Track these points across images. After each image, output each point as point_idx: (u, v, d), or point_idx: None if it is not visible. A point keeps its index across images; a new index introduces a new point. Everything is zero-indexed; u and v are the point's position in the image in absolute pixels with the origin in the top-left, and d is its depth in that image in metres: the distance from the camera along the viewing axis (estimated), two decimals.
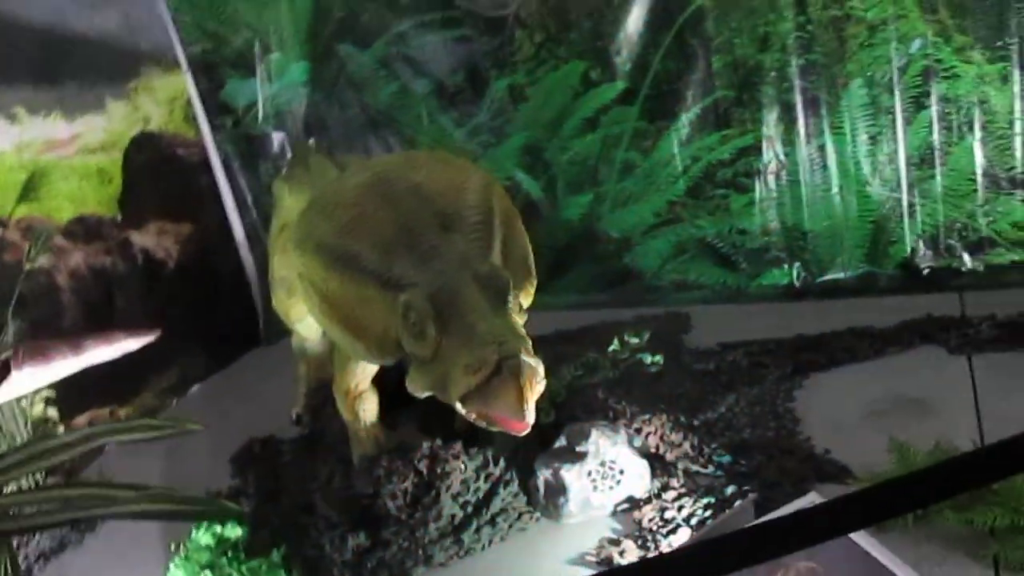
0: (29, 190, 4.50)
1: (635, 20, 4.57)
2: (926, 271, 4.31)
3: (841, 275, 4.51)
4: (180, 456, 4.00)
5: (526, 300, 2.85)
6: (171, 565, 2.97)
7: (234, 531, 3.05)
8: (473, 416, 2.54)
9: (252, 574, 2.90)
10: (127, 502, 1.06)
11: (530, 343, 2.46)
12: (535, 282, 2.93)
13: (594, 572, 2.75)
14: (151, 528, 3.64)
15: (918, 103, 4.13)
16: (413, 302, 2.55)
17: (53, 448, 1.13)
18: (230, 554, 3.00)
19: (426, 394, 2.68)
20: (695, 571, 1.35)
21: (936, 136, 4.14)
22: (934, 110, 4.10)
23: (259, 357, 5.62)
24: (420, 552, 2.96)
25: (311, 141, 5.24)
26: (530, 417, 2.39)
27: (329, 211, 2.90)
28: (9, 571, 1.32)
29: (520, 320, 2.61)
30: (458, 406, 2.51)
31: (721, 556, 1.32)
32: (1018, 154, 4.06)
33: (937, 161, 4.17)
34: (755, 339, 4.08)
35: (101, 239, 4.85)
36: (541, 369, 2.41)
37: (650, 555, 2.74)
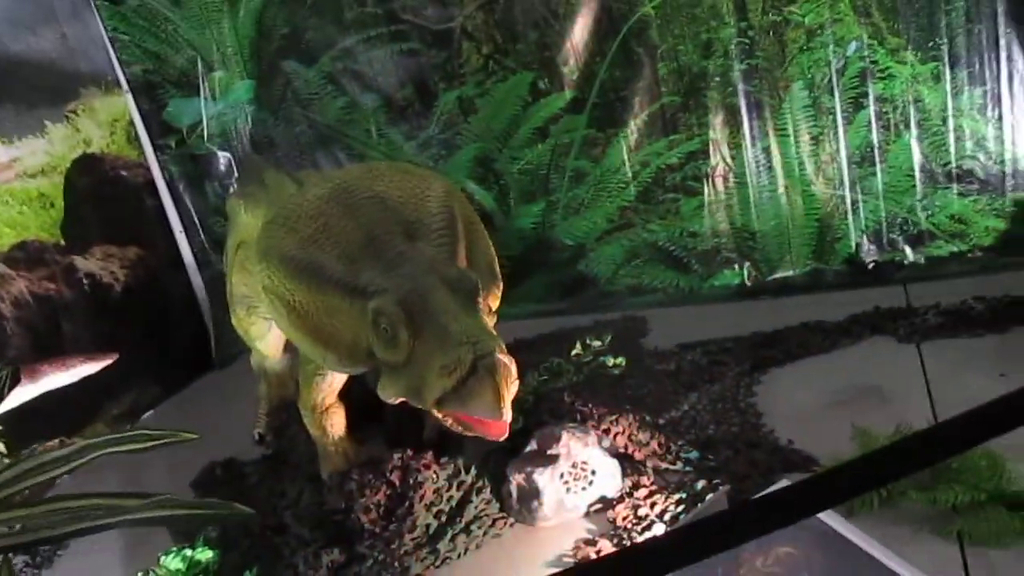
0: None
1: (581, 30, 4.64)
2: (871, 265, 4.46)
3: (790, 273, 4.63)
4: (137, 483, 3.90)
5: (494, 303, 2.88)
6: None
7: (204, 554, 2.99)
8: (449, 420, 2.55)
9: None
10: (136, 510, 1.04)
11: (502, 342, 2.48)
12: (501, 286, 2.96)
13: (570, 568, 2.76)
14: (112, 556, 3.56)
15: (857, 103, 4.27)
16: (383, 307, 2.55)
17: (48, 463, 1.11)
18: None
19: (399, 400, 2.68)
20: (674, 558, 1.37)
21: (875, 135, 4.28)
22: (872, 109, 4.24)
23: (212, 381, 5.53)
24: (396, 564, 2.94)
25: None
26: (507, 415, 2.42)
27: (292, 223, 2.89)
28: None
29: (490, 322, 2.64)
30: (434, 410, 2.52)
31: (698, 541, 1.34)
32: (952, 149, 4.22)
33: (877, 159, 4.31)
34: (712, 338, 4.16)
35: (44, 265, 4.73)
36: (515, 368, 2.43)
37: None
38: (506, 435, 2.59)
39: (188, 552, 2.97)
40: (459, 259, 2.80)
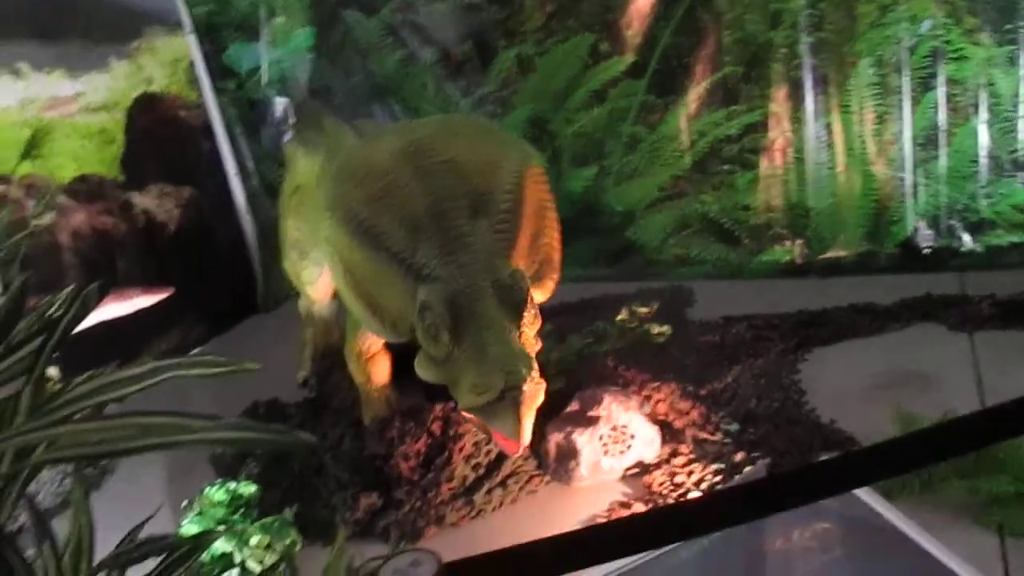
0: (32, 148, 4.46)
1: None
2: (926, 251, 4.38)
3: (842, 253, 4.57)
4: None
5: (544, 295, 2.88)
6: (184, 522, 2.99)
7: (247, 489, 3.06)
8: (474, 421, 2.64)
9: (264, 531, 2.91)
10: (205, 430, 1.08)
11: (535, 365, 2.52)
12: (558, 278, 2.95)
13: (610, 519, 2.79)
14: (157, 484, 3.68)
15: (925, 84, 4.17)
16: (431, 304, 2.56)
17: (121, 380, 1.14)
18: (243, 511, 3.01)
19: (430, 381, 2.74)
20: (710, 521, 1.39)
21: (941, 117, 4.18)
22: (941, 91, 4.15)
23: (256, 324, 5.61)
24: (432, 512, 2.99)
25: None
26: (525, 441, 2.52)
27: (360, 176, 2.86)
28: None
29: (531, 319, 2.64)
30: (463, 411, 2.61)
31: (735, 506, 1.35)
32: (1021, 137, 4.11)
33: (941, 142, 4.22)
34: (758, 313, 4.13)
35: (103, 199, 4.82)
36: (542, 392, 2.51)
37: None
38: (520, 454, 2.77)
39: (232, 485, 3.04)
40: (517, 248, 2.76)
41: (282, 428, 1.12)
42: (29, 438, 1.13)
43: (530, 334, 2.64)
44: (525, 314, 2.59)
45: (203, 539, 1.30)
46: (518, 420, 2.44)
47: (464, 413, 2.65)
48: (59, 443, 1.15)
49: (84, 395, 1.18)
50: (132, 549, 1.17)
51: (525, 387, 2.43)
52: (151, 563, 1.34)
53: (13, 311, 1.01)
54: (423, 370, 2.73)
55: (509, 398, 2.42)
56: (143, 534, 1.40)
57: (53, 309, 1.30)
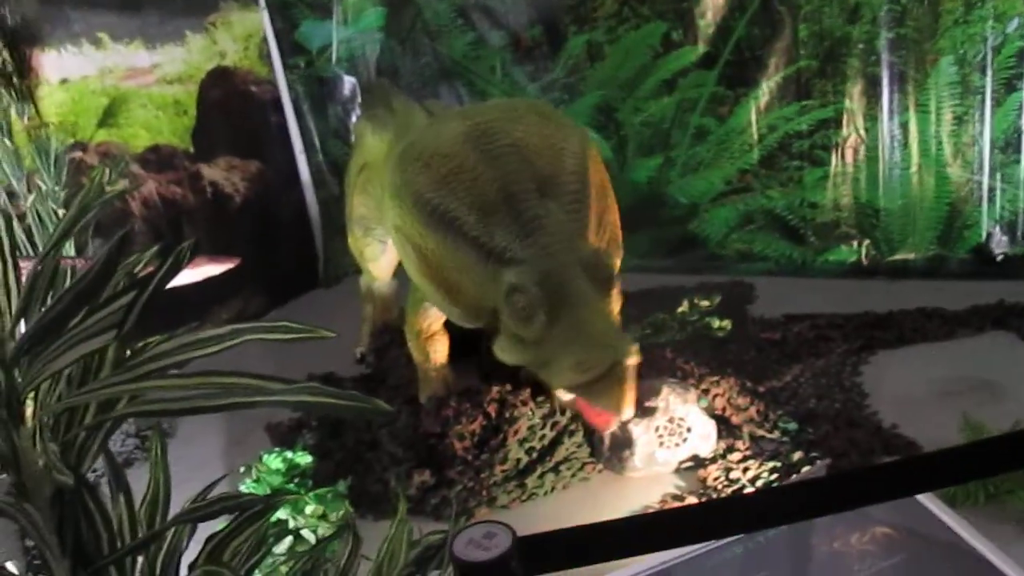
0: (109, 116, 4.58)
1: None
2: (1000, 257, 4.24)
3: (911, 256, 4.45)
4: None
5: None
6: (241, 487, 3.05)
7: (303, 459, 3.11)
8: (567, 402, 2.64)
9: (319, 501, 2.95)
10: (282, 392, 1.09)
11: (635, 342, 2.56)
12: (621, 254, 2.94)
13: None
14: (215, 450, 3.76)
15: (1009, 85, 4.03)
16: (522, 285, 2.56)
17: (203, 340, 1.16)
18: (299, 480, 3.07)
19: (515, 364, 2.75)
20: (766, 516, 1.36)
21: None
22: None
23: (317, 298, 5.70)
24: (484, 493, 3.01)
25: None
26: (630, 413, 2.57)
27: (426, 159, 2.86)
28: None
29: (617, 297, 2.66)
30: (558, 390, 2.61)
31: (792, 503, 1.31)
32: None
33: (1023, 146, 4.07)
34: (821, 312, 4.06)
35: (173, 169, 4.93)
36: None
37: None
38: (612, 427, 2.80)
39: (288, 454, 3.09)
40: (591, 229, 2.77)
41: (360, 395, 1.13)
42: (114, 391, 1.16)
43: (616, 308, 2.68)
44: (614, 289, 2.62)
45: (275, 499, 1.32)
46: (625, 395, 2.48)
47: (561, 395, 2.66)
48: (142, 398, 1.18)
49: (166, 352, 1.21)
50: (206, 505, 1.19)
51: (629, 361, 2.47)
52: (215, 523, 1.37)
53: (108, 266, 1.03)
54: (508, 353, 2.73)
55: (615, 373, 2.46)
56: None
57: (140, 267, 1.33)
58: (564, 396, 2.71)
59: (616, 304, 2.66)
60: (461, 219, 2.71)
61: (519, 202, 2.68)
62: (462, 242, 2.71)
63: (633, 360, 2.49)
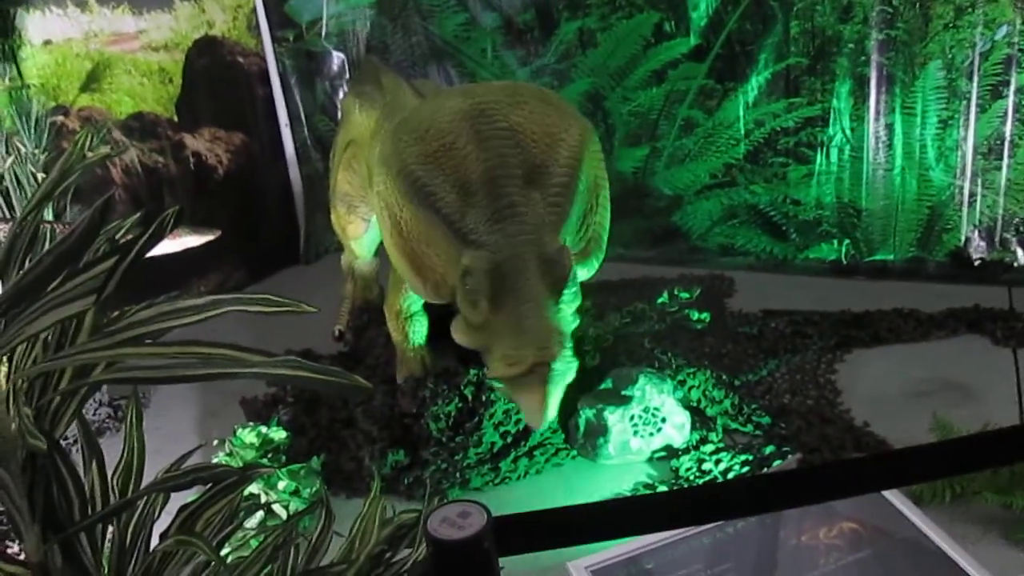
0: (92, 80, 4.52)
1: None
2: (977, 262, 4.29)
3: (890, 256, 4.49)
4: None
5: (588, 273, 2.88)
6: (214, 460, 3.04)
7: (277, 434, 3.11)
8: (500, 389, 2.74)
9: (291, 477, 2.95)
10: (262, 365, 1.08)
11: (569, 343, 2.58)
12: (602, 257, 2.94)
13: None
14: (188, 424, 3.74)
15: (995, 91, 4.06)
16: (473, 270, 2.57)
17: (182, 310, 1.15)
18: (272, 456, 3.06)
19: (463, 345, 2.78)
20: (736, 506, 1.37)
21: (1008, 127, 4.08)
22: (1010, 100, 4.03)
23: (296, 274, 5.67)
24: (457, 475, 3.02)
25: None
26: (547, 420, 2.60)
27: (421, 133, 2.84)
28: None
29: (572, 296, 2.64)
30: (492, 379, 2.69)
31: (761, 494, 1.33)
32: None
33: (1005, 152, 4.11)
34: (799, 309, 4.09)
35: (156, 138, 4.88)
36: (573, 371, 2.58)
37: None
38: (542, 428, 2.86)
39: (263, 429, 3.08)
40: (568, 224, 2.75)
41: (339, 371, 1.13)
42: (91, 357, 1.15)
43: (568, 311, 2.64)
44: (565, 291, 2.59)
45: (249, 472, 1.32)
46: (542, 397, 2.50)
47: (493, 382, 2.72)
48: (118, 365, 1.17)
49: (145, 320, 1.20)
50: (180, 475, 1.18)
51: (555, 365, 2.48)
52: (187, 495, 1.37)
53: (91, 229, 1.01)
54: (458, 334, 2.75)
55: (537, 373, 2.48)
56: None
57: (121, 233, 1.32)
58: (498, 386, 2.77)
59: (571, 304, 2.63)
60: (438, 194, 2.71)
61: (499, 187, 2.67)
62: (434, 216, 2.71)
63: (562, 364, 2.51)
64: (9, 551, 2.43)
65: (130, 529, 1.27)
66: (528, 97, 2.96)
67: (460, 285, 2.64)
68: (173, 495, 1.38)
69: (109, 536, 1.29)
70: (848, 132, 4.40)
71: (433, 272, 2.83)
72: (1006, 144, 4.10)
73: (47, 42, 4.25)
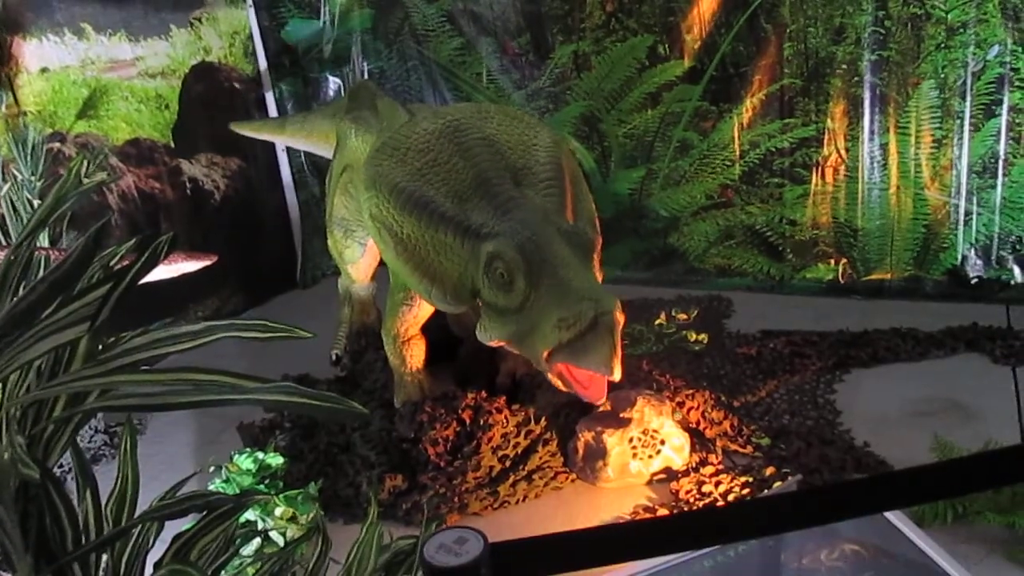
0: (89, 107, 4.52)
1: None
2: (974, 280, 4.29)
3: (887, 276, 4.49)
4: None
5: (596, 260, 2.89)
6: (210, 486, 3.02)
7: (275, 459, 3.08)
8: (555, 374, 2.58)
9: (288, 503, 2.93)
10: (257, 391, 1.08)
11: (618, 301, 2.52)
12: (600, 242, 2.95)
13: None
14: (186, 449, 3.72)
15: (988, 110, 4.08)
16: (501, 252, 2.56)
17: (177, 336, 1.14)
18: (269, 481, 3.04)
19: (499, 344, 2.72)
20: (736, 529, 1.36)
21: (1002, 146, 4.09)
22: (1004, 119, 4.06)
23: (293, 299, 5.66)
24: (456, 500, 2.99)
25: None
26: (618, 373, 2.47)
27: (401, 154, 2.91)
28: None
29: (599, 270, 2.67)
30: (542, 360, 2.55)
31: (761, 517, 1.31)
32: None
33: (1000, 171, 4.13)
34: (797, 330, 4.08)
35: (153, 164, 4.88)
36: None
37: None
38: (603, 401, 2.66)
39: (260, 455, 3.06)
40: (567, 212, 2.80)
41: (335, 396, 1.12)
42: (85, 384, 1.14)
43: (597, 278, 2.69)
44: (594, 260, 2.63)
45: (245, 499, 1.30)
46: (613, 347, 2.40)
47: (547, 366, 2.56)
48: (113, 392, 1.16)
49: (140, 347, 1.19)
50: (175, 503, 1.17)
51: (616, 314, 2.42)
52: (183, 522, 1.35)
53: (84, 256, 1.01)
54: (491, 330, 2.70)
55: (602, 325, 2.39)
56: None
57: (116, 261, 1.31)
58: (552, 372, 2.59)
59: (598, 275, 2.65)
60: (438, 203, 2.76)
61: (494, 186, 2.74)
62: (439, 223, 2.73)
63: (618, 314, 2.43)
64: None
65: (124, 558, 1.26)
66: (494, 113, 3.09)
67: (487, 276, 2.63)
68: (168, 523, 1.37)
69: (103, 566, 1.28)
70: (843, 152, 4.42)
71: (448, 278, 2.82)
72: (1000, 162, 4.11)
73: (44, 69, 4.26)
